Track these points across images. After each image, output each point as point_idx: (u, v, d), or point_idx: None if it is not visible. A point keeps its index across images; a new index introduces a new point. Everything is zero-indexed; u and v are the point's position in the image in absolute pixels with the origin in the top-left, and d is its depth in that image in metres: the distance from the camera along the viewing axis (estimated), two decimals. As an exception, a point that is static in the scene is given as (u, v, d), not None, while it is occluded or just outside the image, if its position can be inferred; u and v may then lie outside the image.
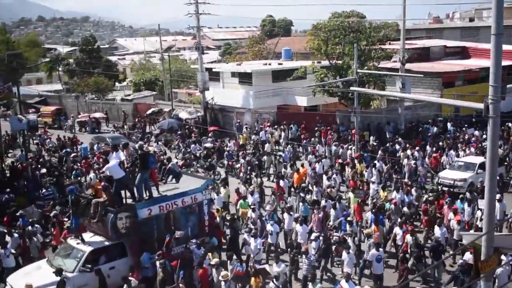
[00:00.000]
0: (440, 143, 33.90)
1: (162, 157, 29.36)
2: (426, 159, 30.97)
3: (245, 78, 46.28)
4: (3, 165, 29.31)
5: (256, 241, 18.30)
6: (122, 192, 17.49)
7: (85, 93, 62.59)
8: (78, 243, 17.28)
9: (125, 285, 15.56)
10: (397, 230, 19.62)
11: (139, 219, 17.22)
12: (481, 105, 10.70)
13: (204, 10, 44.22)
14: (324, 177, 27.02)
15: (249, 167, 30.41)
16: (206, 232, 19.17)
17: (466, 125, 37.74)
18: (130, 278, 15.97)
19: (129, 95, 65.23)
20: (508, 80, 31.24)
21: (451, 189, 25.82)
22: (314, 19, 44.30)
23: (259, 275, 15.91)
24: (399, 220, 20.49)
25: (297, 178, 27.35)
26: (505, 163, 29.58)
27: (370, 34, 40.30)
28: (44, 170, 29.73)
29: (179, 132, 41.06)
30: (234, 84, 47.33)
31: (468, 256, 16.29)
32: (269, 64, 50.14)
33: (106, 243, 17.19)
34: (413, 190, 24.49)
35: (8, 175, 28.92)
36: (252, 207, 22.14)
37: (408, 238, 18.54)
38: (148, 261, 16.78)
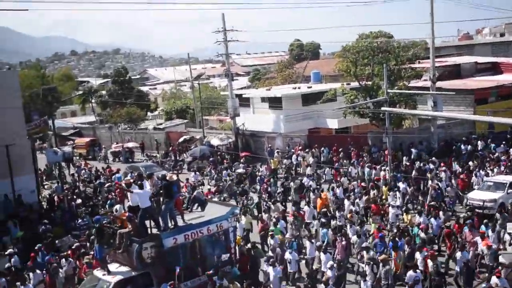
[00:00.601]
0: (470, 163, 32.82)
1: (200, 187, 29.53)
2: (453, 180, 29.82)
3: (275, 102, 46.44)
4: (40, 197, 29.87)
5: (275, 270, 18.13)
6: (147, 222, 17.49)
7: (118, 124, 63.63)
8: (104, 274, 17.09)
9: None
10: (417, 255, 18.96)
11: (165, 249, 17.17)
12: (515, 121, 10.51)
13: (233, 37, 44.75)
14: (346, 201, 26.39)
15: (267, 195, 30.22)
16: (233, 261, 18.99)
17: (493, 143, 36.77)
18: None
19: (161, 124, 66.02)
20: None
21: (481, 211, 24.96)
22: (342, 41, 44.15)
23: None
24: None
25: (320, 203, 26.81)
26: None
27: (398, 53, 40.06)
28: (79, 201, 30.20)
29: (211, 159, 41.31)
30: (265, 109, 47.53)
31: (494, 281, 15.92)
32: (299, 88, 50.19)
33: (132, 273, 17.03)
34: (440, 213, 23.73)
35: (45, 206, 29.48)
36: (270, 233, 22.01)
37: (430, 263, 18.00)
38: None
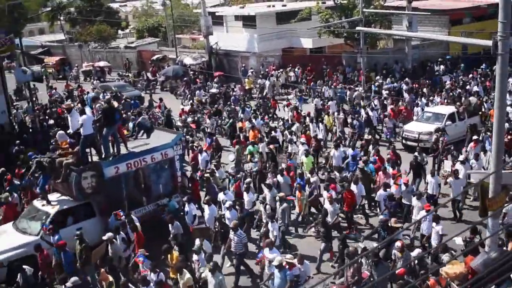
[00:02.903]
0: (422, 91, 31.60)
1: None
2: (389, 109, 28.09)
3: (249, 21, 45.50)
4: (11, 118, 29.37)
5: (210, 208, 17.00)
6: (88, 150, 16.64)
7: (88, 42, 61.98)
8: (43, 205, 16.51)
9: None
10: (324, 194, 17.60)
11: (106, 178, 16.42)
12: (489, 42, 10.51)
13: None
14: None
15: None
16: (178, 189, 18.37)
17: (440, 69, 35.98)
18: None
19: (132, 42, 64.59)
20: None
21: (416, 144, 23.43)
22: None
23: (200, 235, 15.23)
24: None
25: (252, 135, 24.58)
26: (480, 113, 26.65)
27: (375, -29, 39.32)
28: (52, 121, 29.81)
29: (184, 79, 40.87)
30: (238, 28, 46.64)
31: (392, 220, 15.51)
32: (273, 6, 49.10)
33: (73, 203, 16.47)
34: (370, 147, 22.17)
35: (16, 127, 29.06)
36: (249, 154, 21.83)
37: (327, 206, 16.72)
38: (116, 222, 15.93)
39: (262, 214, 17.55)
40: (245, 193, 17.90)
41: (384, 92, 31.52)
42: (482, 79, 33.53)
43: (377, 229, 15.71)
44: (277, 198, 17.30)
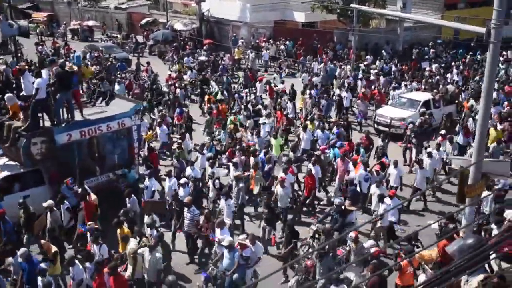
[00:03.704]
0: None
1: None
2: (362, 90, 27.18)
3: (242, -10, 44.91)
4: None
5: (170, 181, 16.57)
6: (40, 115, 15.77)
7: (77, 0, 60.82)
8: None
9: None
10: (281, 174, 16.65)
11: (57, 145, 15.69)
12: (482, 29, 10.43)
13: None
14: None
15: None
16: (134, 161, 17.82)
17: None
18: None
19: (123, 3, 63.49)
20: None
21: (388, 129, 23.00)
22: None
23: (151, 209, 14.75)
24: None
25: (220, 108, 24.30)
26: (456, 102, 26.10)
27: None
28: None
29: (174, 44, 40.39)
30: (231, -4, 46.01)
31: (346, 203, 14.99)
32: (268, -23, 48.52)
33: (21, 170, 15.71)
34: (334, 129, 21.16)
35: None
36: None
37: (278, 189, 15.95)
38: (68, 190, 15.39)
39: (210, 191, 16.84)
40: (209, 169, 17.50)
41: (373, 72, 31.33)
42: (461, 68, 32.70)
43: (329, 212, 14.89)
44: (232, 177, 16.74)
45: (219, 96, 26.21)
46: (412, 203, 17.82)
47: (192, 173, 17.13)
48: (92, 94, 19.00)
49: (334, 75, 31.69)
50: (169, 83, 29.31)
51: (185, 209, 14.50)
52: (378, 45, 38.78)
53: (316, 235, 14.08)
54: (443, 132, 20.86)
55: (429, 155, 18.19)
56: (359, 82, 29.44)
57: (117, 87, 27.04)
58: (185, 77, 30.40)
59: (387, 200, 15.15)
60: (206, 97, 26.73)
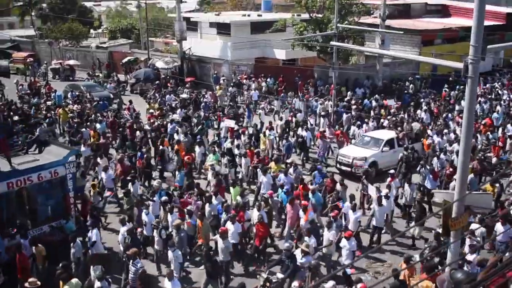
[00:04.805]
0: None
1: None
2: (328, 131, 26.66)
3: (223, 29, 45.44)
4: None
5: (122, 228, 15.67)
6: None
7: (58, 40, 61.03)
8: None
9: None
10: (228, 224, 15.68)
11: None
12: (460, 65, 10.62)
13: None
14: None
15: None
16: (70, 211, 16.61)
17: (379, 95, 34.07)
18: None
19: (104, 42, 63.89)
20: (488, 41, 30.81)
21: (349, 169, 22.66)
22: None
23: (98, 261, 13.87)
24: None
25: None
26: (422, 140, 25.18)
27: (351, -12, 39.72)
28: (16, 118, 29.12)
29: (156, 82, 40.53)
30: (212, 35, 46.53)
31: (298, 252, 14.21)
32: (248, 16, 49.29)
33: None
34: (291, 170, 20.49)
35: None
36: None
37: (219, 242, 14.94)
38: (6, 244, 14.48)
39: (155, 242, 15.92)
40: (169, 215, 16.47)
41: (353, 107, 31.60)
42: (429, 104, 32.48)
43: (281, 258, 14.22)
44: (174, 224, 15.71)
45: (176, 137, 25.48)
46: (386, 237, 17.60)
47: (146, 218, 16.35)
48: (24, 142, 17.94)
49: (315, 111, 31.94)
50: (151, 121, 29.24)
51: (130, 261, 13.61)
52: (358, 80, 39.34)
53: (267, 284, 13.39)
54: (392, 171, 20.36)
55: (386, 196, 17.43)
56: (321, 120, 29.28)
57: (98, 125, 27.00)
58: (174, 116, 30.21)
59: (343, 241, 14.86)
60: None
